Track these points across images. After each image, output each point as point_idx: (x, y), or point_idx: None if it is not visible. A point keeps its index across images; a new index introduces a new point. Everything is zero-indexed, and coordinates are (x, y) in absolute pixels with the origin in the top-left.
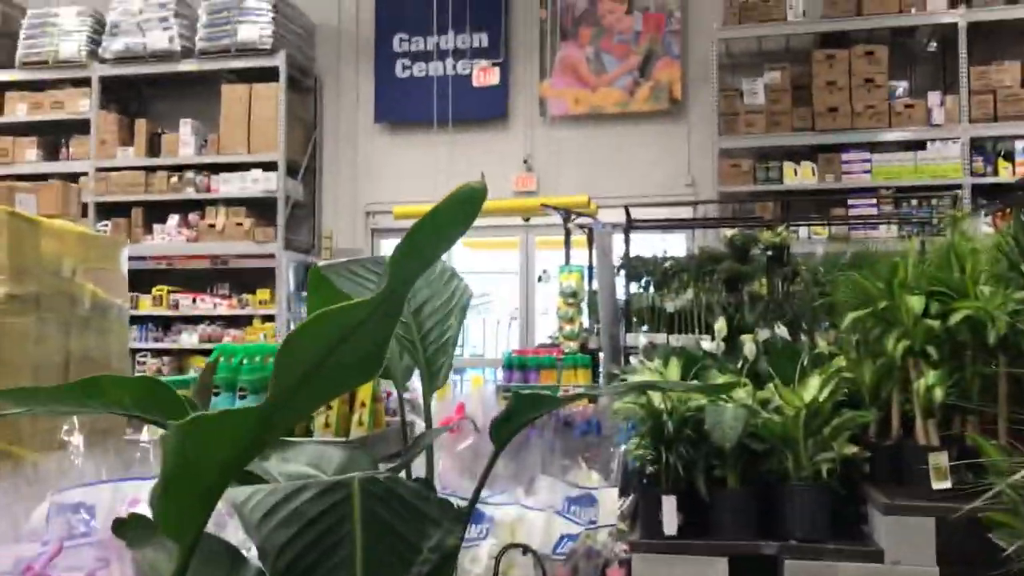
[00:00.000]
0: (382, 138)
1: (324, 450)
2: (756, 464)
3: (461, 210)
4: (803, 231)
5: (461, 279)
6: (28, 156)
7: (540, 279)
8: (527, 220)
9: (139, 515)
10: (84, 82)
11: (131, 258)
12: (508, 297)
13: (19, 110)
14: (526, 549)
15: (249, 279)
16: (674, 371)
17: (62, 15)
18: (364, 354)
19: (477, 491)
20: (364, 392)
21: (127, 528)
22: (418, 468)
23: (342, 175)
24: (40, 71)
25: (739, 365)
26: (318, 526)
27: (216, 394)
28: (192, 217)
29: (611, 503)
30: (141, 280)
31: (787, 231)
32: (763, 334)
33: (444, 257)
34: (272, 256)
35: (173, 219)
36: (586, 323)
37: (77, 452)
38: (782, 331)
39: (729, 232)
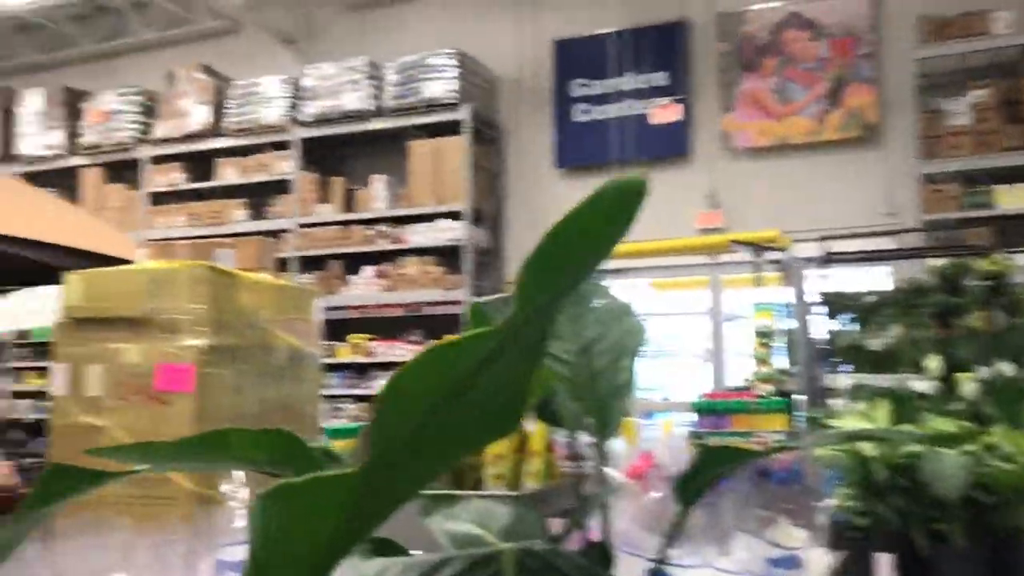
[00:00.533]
0: (563, 183)
1: (491, 507)
2: (984, 518)
3: (614, 209)
4: (1021, 258)
5: (635, 315)
6: (237, 216)
7: (729, 320)
8: (715, 258)
9: None
10: (285, 145)
11: (330, 308)
12: (697, 338)
13: (228, 174)
14: None
15: (439, 325)
16: (883, 414)
17: (264, 84)
18: (496, 400)
19: (662, 555)
20: (536, 441)
21: None
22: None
23: (524, 221)
24: (246, 137)
25: (957, 407)
26: None
27: None
28: (385, 267)
29: (819, 565)
30: (339, 328)
31: (1007, 258)
32: (983, 372)
33: (624, 298)
34: (460, 303)
35: (368, 270)
36: (782, 364)
37: (244, 505)
38: (1006, 368)
39: (938, 262)
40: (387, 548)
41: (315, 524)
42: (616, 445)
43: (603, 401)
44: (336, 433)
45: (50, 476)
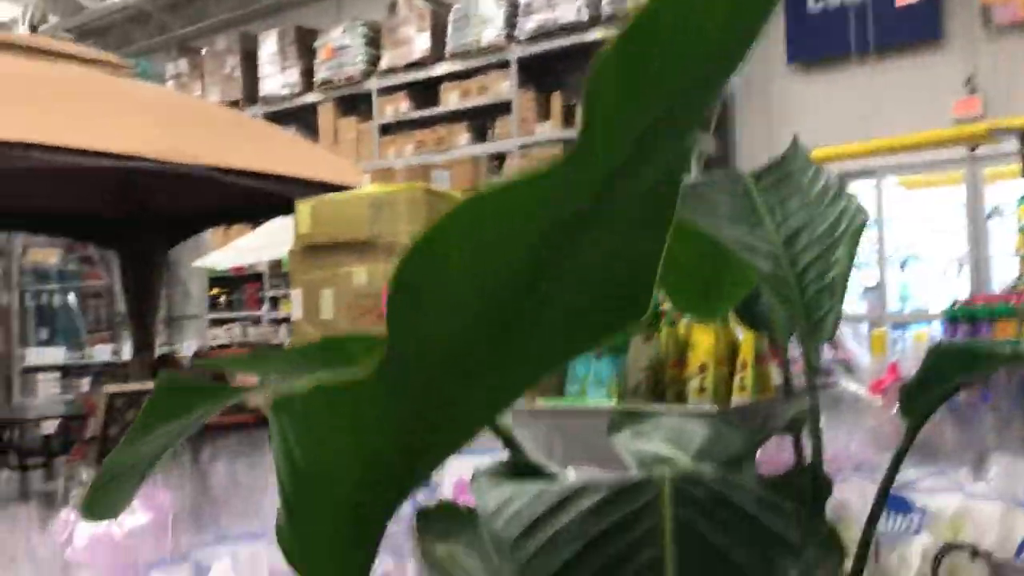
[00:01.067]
0: (796, 79)
1: (686, 424)
2: None
3: None
4: None
5: (852, 198)
6: (460, 141)
7: (991, 216)
8: (973, 150)
9: (448, 504)
10: (504, 64)
11: None
12: (953, 241)
13: (451, 99)
14: (975, 552)
15: None
16: None
17: (481, 5)
18: (592, 283)
19: (889, 479)
20: (746, 349)
21: (427, 519)
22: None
23: (755, 125)
24: (466, 60)
25: None
26: (603, 550)
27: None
28: None
29: None
30: None
31: None
32: None
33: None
34: None
35: None
36: None
37: None
38: None
39: None
40: (531, 471)
41: (333, 442)
42: (861, 357)
43: (812, 300)
44: None
45: (163, 392)
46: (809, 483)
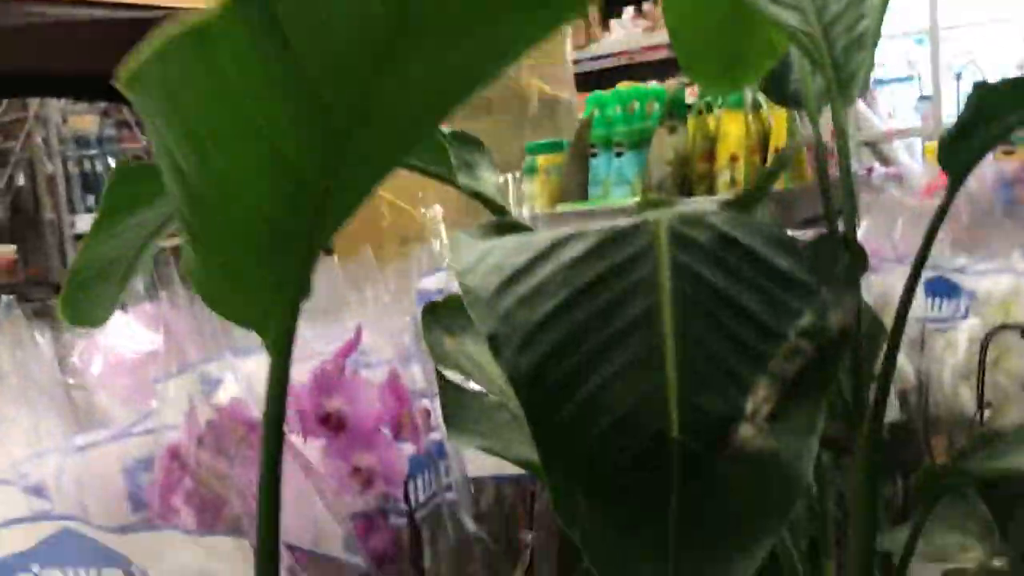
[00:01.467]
0: None
1: (707, 204)
2: None
3: None
4: None
5: None
6: None
7: None
8: None
9: (455, 297)
10: None
11: (592, 58)
12: (1012, 49)
13: None
14: None
15: None
16: None
17: None
18: None
19: (924, 250)
20: (778, 134)
21: (435, 313)
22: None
23: None
24: None
25: None
26: (591, 300)
27: (594, 155)
28: (647, 7)
29: None
30: (605, 79)
31: None
32: None
33: None
34: None
35: (628, 11)
36: None
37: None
38: None
39: None
40: (518, 229)
41: (213, 124)
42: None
43: (841, 56)
44: None
45: (120, 179)
46: (840, 249)
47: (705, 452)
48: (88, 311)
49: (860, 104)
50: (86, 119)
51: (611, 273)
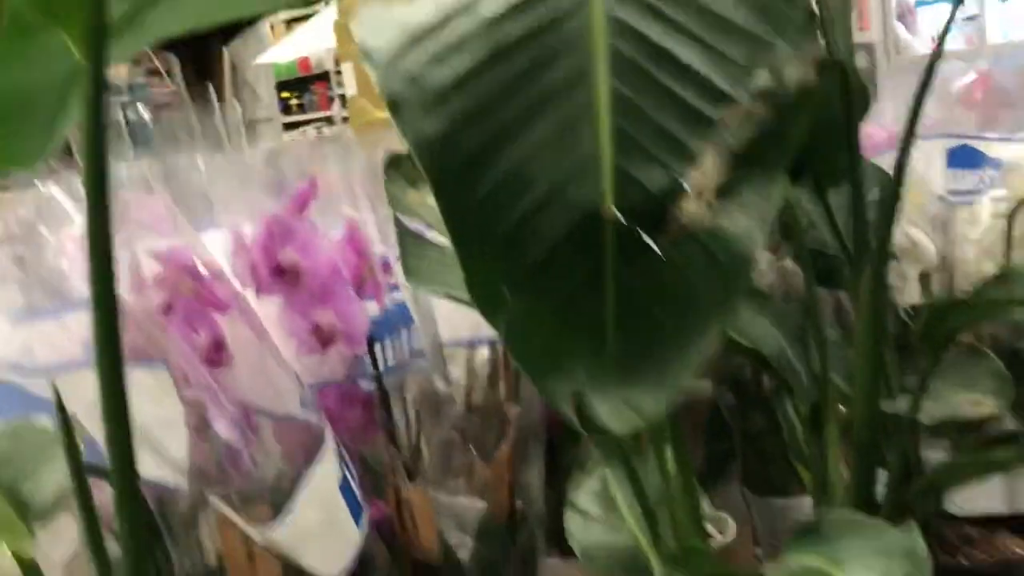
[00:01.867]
0: None
1: None
2: None
3: None
4: None
5: None
6: None
7: None
8: None
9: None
10: None
11: None
12: None
13: None
14: None
15: None
16: None
17: None
18: None
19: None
20: None
21: (397, 167)
22: None
23: None
24: None
25: None
26: (512, 59)
27: None
28: None
29: None
30: None
31: None
32: None
33: None
34: None
35: None
36: None
37: None
38: None
39: None
40: None
41: None
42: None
43: None
44: None
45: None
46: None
47: (643, 229)
48: (9, 148)
49: (899, 27)
50: (117, 67)
51: (538, 29)
